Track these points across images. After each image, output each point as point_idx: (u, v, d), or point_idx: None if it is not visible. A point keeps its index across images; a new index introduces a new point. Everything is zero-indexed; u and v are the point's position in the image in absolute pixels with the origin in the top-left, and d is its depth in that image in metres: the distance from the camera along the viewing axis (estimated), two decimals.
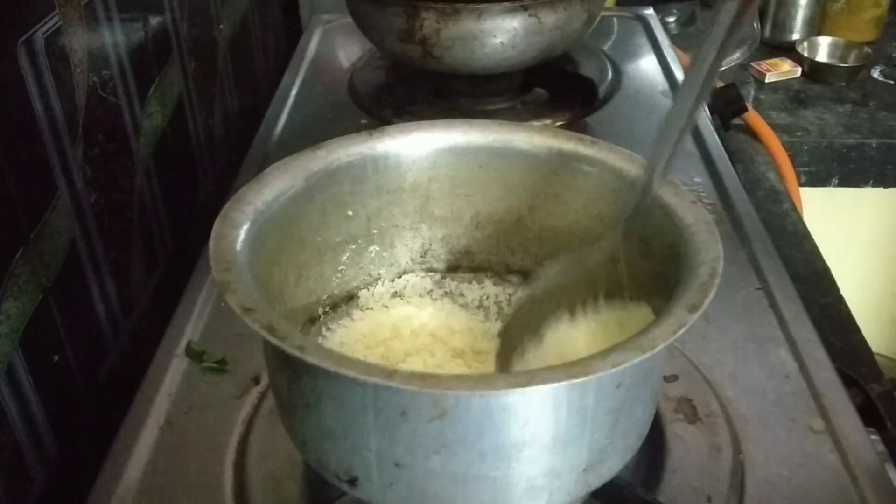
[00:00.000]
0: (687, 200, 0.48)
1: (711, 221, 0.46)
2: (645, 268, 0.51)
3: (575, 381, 0.36)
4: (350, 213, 0.56)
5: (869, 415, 0.58)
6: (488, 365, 0.52)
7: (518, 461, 0.41)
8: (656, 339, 0.38)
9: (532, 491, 0.42)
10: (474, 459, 0.41)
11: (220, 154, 0.95)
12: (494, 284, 0.60)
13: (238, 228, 0.46)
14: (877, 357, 0.78)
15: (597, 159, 0.53)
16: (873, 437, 0.56)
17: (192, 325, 0.65)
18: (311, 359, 0.37)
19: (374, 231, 0.57)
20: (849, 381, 0.60)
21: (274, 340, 0.38)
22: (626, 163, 0.52)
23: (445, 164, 0.56)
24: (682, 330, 0.39)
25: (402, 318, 0.56)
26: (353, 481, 0.43)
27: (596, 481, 0.45)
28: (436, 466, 0.41)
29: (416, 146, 0.56)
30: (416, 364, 0.52)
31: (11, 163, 0.52)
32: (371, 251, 0.58)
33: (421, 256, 0.60)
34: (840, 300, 0.83)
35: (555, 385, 0.36)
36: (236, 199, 0.48)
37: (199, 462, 0.54)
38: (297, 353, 0.37)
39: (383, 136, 0.55)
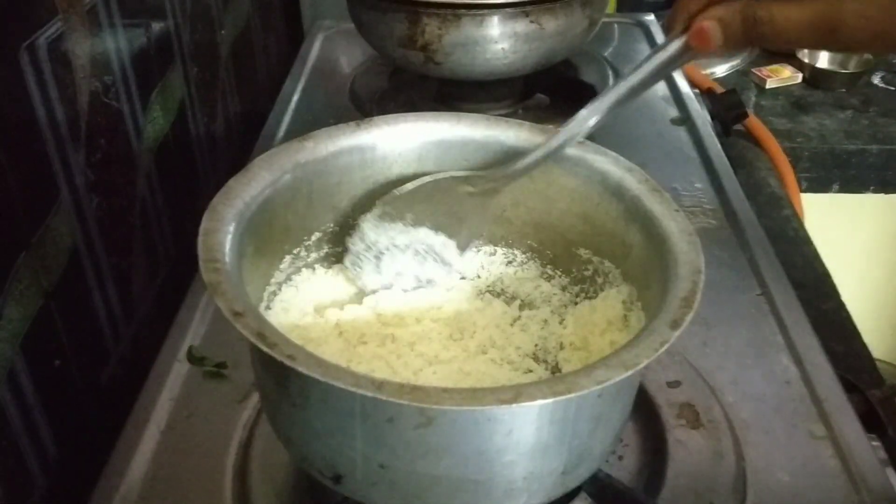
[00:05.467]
0: (671, 209, 0.48)
1: (694, 232, 0.46)
2: (627, 269, 0.52)
3: (560, 398, 0.37)
4: (336, 203, 0.56)
5: (870, 421, 0.58)
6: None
7: (500, 466, 0.42)
8: (639, 356, 0.39)
9: (511, 493, 0.43)
10: (457, 464, 0.41)
11: (222, 159, 0.95)
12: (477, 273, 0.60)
13: (226, 223, 0.46)
14: (878, 363, 0.78)
15: (583, 160, 0.54)
16: (874, 442, 0.56)
17: (193, 330, 0.65)
18: (302, 368, 0.37)
19: (359, 221, 0.57)
20: (850, 387, 0.60)
21: (264, 348, 0.38)
22: (613, 166, 0.53)
23: (432, 157, 0.56)
24: (665, 347, 0.39)
25: (386, 304, 0.56)
26: (337, 478, 0.44)
27: (573, 482, 0.46)
28: (420, 469, 0.41)
29: (403, 138, 0.56)
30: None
31: (14, 167, 0.52)
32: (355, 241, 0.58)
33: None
34: (841, 306, 0.83)
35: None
36: (224, 192, 0.48)
37: (201, 467, 0.54)
38: (287, 362, 0.37)
39: (371, 127, 0.55)
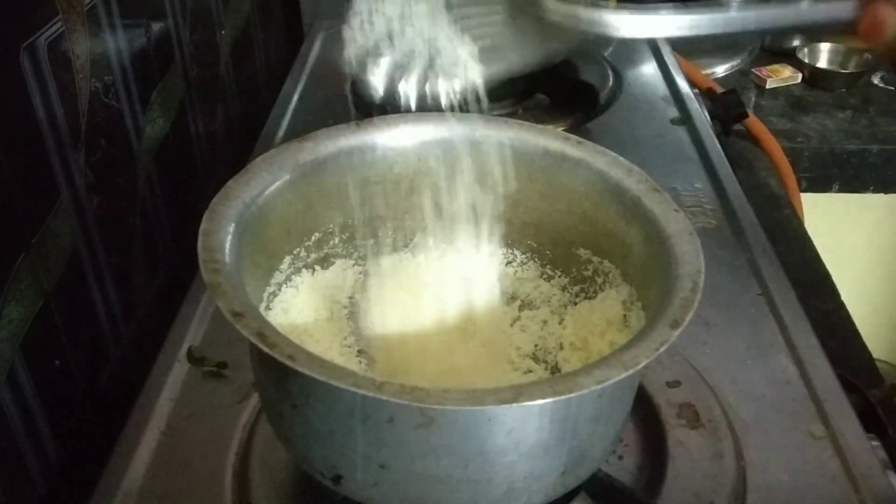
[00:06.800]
0: (671, 209, 0.48)
1: (694, 232, 0.46)
2: (627, 269, 0.52)
3: (560, 398, 0.37)
4: (335, 203, 0.55)
5: (869, 420, 0.58)
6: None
7: (500, 466, 0.42)
8: (639, 356, 0.39)
9: (511, 493, 0.43)
10: (458, 464, 0.41)
11: (221, 159, 0.95)
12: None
13: (226, 223, 0.46)
14: (877, 362, 0.78)
15: (582, 160, 0.54)
16: (874, 442, 0.56)
17: (193, 330, 0.65)
18: (302, 368, 0.37)
19: (359, 221, 0.57)
20: (849, 387, 0.60)
21: (264, 348, 0.38)
22: (611, 166, 0.53)
23: (432, 157, 0.56)
24: (664, 347, 0.39)
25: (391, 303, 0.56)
26: (336, 479, 0.44)
27: (573, 482, 0.46)
28: (420, 469, 0.42)
29: (402, 138, 0.56)
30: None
31: (14, 168, 0.52)
32: (355, 241, 0.58)
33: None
34: (840, 306, 0.83)
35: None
36: (223, 193, 0.48)
37: (201, 467, 0.54)
38: (287, 362, 0.37)
39: (371, 127, 0.55)
